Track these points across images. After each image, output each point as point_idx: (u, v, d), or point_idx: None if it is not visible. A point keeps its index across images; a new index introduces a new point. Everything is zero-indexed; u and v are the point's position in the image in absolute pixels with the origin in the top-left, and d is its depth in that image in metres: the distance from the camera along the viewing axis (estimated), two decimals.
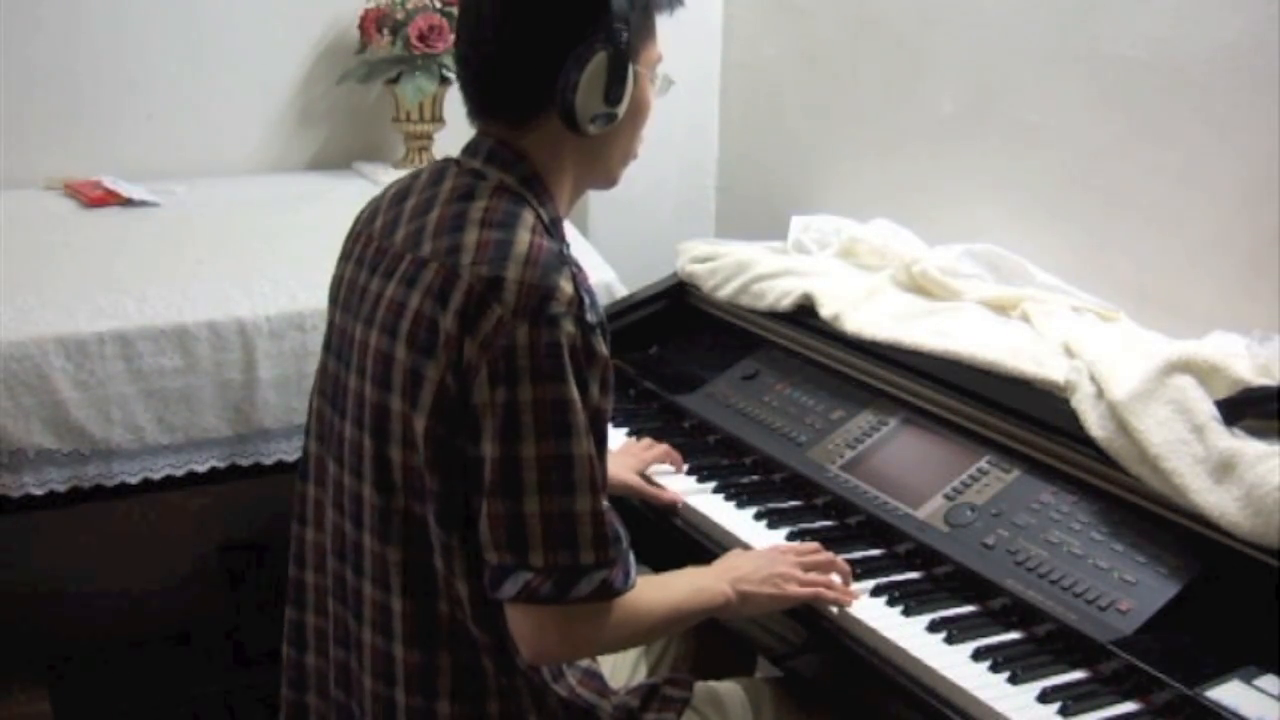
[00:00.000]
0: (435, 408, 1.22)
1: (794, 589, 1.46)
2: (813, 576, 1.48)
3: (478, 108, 1.36)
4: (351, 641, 1.36)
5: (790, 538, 1.63)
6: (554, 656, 1.33)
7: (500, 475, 1.21)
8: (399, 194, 1.39)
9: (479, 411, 1.21)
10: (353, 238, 1.43)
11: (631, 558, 1.29)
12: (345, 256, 1.43)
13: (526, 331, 1.19)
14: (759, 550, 1.55)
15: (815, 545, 1.56)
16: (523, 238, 1.24)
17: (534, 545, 1.21)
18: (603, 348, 1.26)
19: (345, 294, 1.38)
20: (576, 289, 1.23)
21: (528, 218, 1.28)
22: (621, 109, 1.32)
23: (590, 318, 1.24)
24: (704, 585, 1.42)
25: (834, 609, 1.47)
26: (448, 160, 1.39)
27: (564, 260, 1.25)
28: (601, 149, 1.37)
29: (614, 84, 1.29)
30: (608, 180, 1.44)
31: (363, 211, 1.45)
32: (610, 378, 1.28)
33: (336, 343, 1.39)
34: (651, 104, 1.40)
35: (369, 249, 1.37)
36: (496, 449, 1.21)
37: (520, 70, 1.30)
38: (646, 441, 1.86)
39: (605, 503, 1.25)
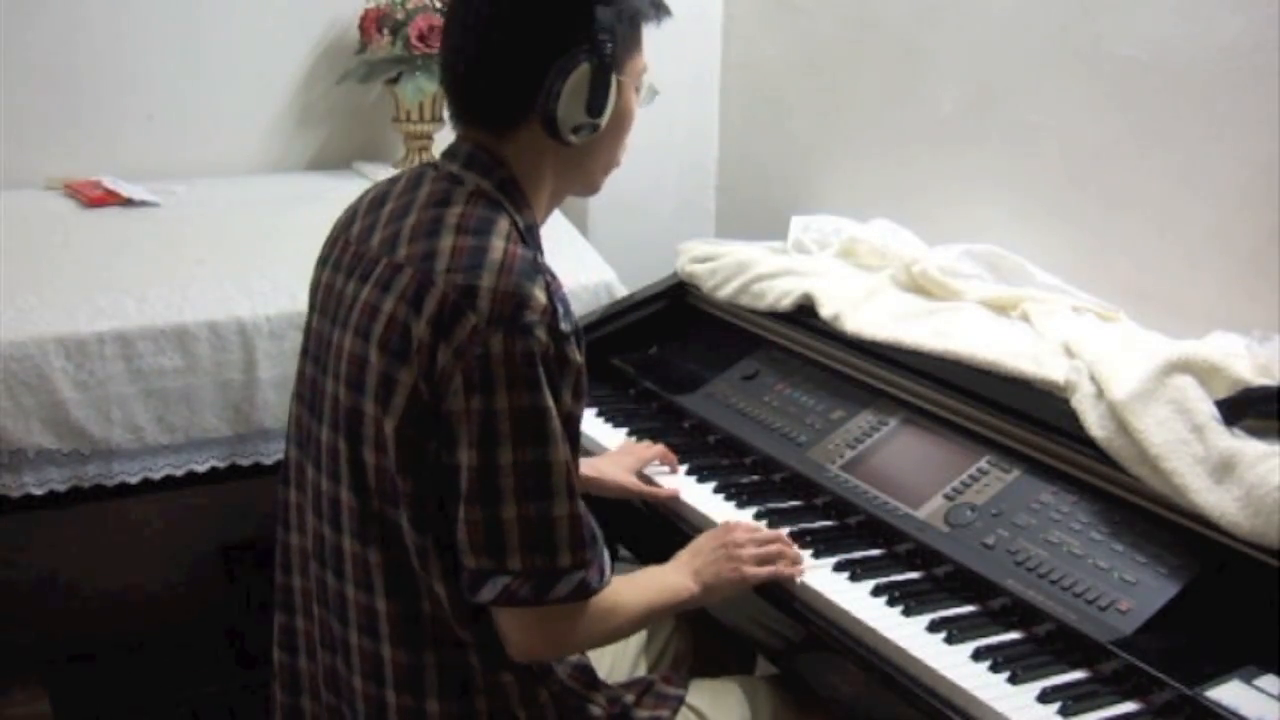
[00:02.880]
0: (407, 412, 1.23)
1: (751, 571, 1.50)
2: (766, 551, 1.52)
3: (460, 112, 1.36)
4: (338, 644, 1.36)
5: (790, 537, 1.63)
6: (540, 654, 1.34)
7: (478, 482, 1.21)
8: (376, 199, 1.40)
9: (454, 419, 1.21)
10: (330, 243, 1.43)
11: (606, 556, 1.31)
12: (322, 261, 1.43)
13: (501, 340, 1.20)
14: (713, 535, 1.55)
15: (761, 525, 1.62)
16: (497, 245, 1.25)
17: (511, 550, 1.23)
18: (576, 355, 1.26)
19: (322, 299, 1.39)
20: (550, 298, 1.24)
21: (503, 224, 1.28)
22: (604, 120, 1.33)
23: (564, 326, 1.24)
24: (669, 583, 1.46)
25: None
26: (426, 165, 1.40)
27: (538, 269, 1.26)
28: (583, 158, 1.38)
29: (596, 96, 1.30)
30: (589, 188, 1.45)
31: (340, 217, 1.45)
32: (584, 383, 1.29)
33: (314, 348, 1.39)
34: (635, 114, 1.41)
35: (346, 253, 1.37)
36: (474, 456, 1.21)
37: (503, 78, 1.30)
38: (643, 443, 1.86)
39: (581, 505, 1.26)
